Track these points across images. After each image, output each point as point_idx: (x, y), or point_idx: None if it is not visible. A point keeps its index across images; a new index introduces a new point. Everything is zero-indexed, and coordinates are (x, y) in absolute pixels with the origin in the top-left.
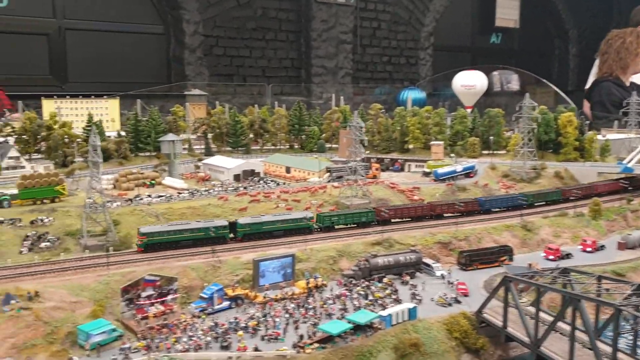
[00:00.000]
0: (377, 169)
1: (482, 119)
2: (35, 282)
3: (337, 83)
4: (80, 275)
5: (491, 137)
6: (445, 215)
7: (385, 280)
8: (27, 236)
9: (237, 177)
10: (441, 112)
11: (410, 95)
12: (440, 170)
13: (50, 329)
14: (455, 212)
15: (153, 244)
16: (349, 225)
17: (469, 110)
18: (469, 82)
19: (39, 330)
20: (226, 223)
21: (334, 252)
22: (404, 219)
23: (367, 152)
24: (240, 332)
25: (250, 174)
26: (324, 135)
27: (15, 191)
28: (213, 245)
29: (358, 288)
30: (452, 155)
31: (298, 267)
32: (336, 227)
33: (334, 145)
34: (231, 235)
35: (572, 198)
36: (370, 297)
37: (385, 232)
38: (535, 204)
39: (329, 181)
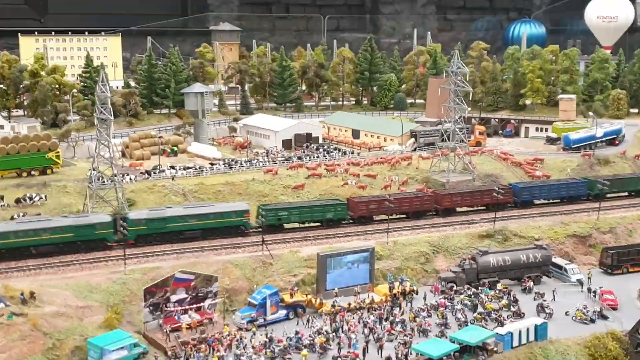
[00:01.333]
0: (481, 134)
1: (630, 64)
2: (30, 280)
3: (415, 14)
4: (88, 272)
5: None
6: (457, 210)
7: (499, 286)
8: (13, 218)
9: (287, 144)
10: (573, 54)
11: (525, 30)
12: (573, 136)
13: (51, 342)
14: (473, 205)
15: None
16: (307, 225)
17: (608, 51)
18: (609, 12)
19: (37, 343)
20: (109, 219)
21: (426, 246)
22: (392, 216)
23: (468, 109)
24: (305, 352)
25: (304, 139)
26: (404, 86)
27: None
28: (89, 251)
29: (462, 296)
30: (591, 114)
31: (378, 266)
32: (286, 226)
33: (418, 101)
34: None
35: None
36: (480, 309)
37: (498, 219)
38: (608, 195)
39: (414, 150)
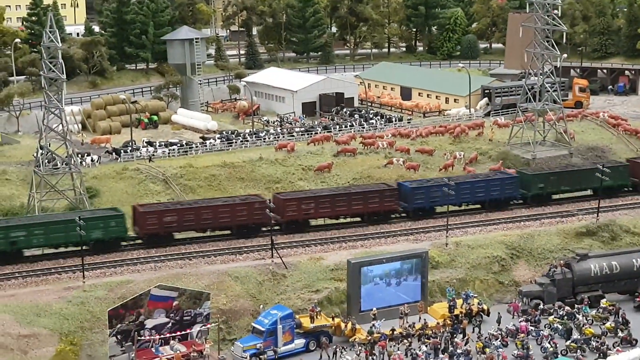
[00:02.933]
0: (583, 90)
1: None
2: None
3: None
4: (34, 288)
5: None
6: (310, 222)
7: (603, 303)
8: None
9: (309, 109)
10: None
11: None
12: None
13: None
14: (337, 215)
15: None
16: (52, 250)
17: None
18: None
19: None
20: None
21: (501, 249)
22: (203, 233)
23: (564, 56)
24: None
25: (334, 101)
26: (474, 25)
27: None
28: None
29: (551, 318)
30: None
31: (433, 276)
32: (24, 252)
33: (495, 45)
34: None
35: None
36: (576, 335)
37: (603, 210)
38: (554, 197)
39: (487, 114)
